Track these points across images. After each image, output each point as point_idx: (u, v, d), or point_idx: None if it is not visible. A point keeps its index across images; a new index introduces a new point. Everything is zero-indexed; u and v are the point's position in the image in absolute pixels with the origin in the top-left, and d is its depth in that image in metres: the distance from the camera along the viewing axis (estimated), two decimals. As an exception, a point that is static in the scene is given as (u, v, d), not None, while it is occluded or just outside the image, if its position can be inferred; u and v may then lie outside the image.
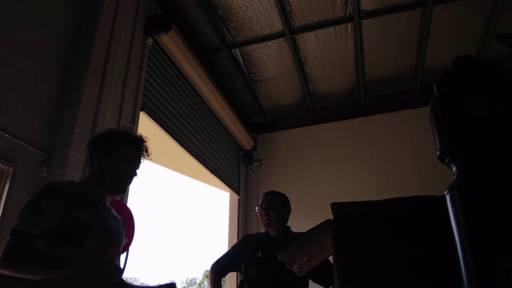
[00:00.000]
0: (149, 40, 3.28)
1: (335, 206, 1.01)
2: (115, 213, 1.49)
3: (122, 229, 1.48)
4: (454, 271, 0.69)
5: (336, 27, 3.86)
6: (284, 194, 2.22)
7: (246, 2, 3.57)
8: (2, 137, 2.00)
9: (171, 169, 4.93)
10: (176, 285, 1.30)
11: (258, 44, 4.08)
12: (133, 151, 1.43)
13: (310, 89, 4.87)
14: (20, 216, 1.21)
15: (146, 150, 1.48)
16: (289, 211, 2.19)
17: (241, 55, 4.26)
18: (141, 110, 3.10)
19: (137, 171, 1.46)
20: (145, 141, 1.48)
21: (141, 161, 1.47)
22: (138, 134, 1.53)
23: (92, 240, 1.28)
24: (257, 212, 2.20)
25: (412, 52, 4.24)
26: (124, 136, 1.46)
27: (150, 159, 1.54)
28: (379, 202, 0.99)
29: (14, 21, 2.17)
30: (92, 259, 1.24)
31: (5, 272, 1.13)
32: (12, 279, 1.14)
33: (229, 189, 4.99)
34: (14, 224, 1.19)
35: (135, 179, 1.46)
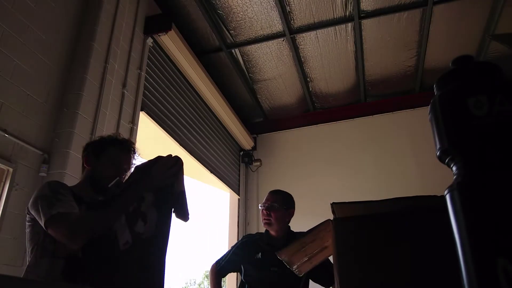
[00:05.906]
0: (149, 40, 3.28)
1: (335, 206, 1.01)
2: None
3: None
4: (454, 271, 0.69)
5: (336, 27, 3.86)
6: (290, 195, 2.17)
7: (246, 2, 3.57)
8: (2, 137, 2.00)
9: (171, 169, 4.92)
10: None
11: (258, 44, 4.08)
12: (120, 153, 1.48)
13: (310, 89, 4.86)
14: (41, 210, 1.20)
15: (134, 151, 1.53)
16: (291, 214, 2.14)
17: (241, 55, 4.26)
18: (141, 110, 3.10)
19: (126, 172, 1.51)
20: (132, 143, 1.56)
21: (131, 162, 1.52)
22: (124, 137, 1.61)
23: None
24: (260, 209, 2.18)
25: (412, 52, 4.23)
26: (110, 140, 1.51)
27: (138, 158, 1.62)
28: (379, 202, 0.99)
29: (14, 21, 2.17)
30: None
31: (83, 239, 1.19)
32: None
33: (229, 189, 4.99)
34: (43, 217, 1.19)
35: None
